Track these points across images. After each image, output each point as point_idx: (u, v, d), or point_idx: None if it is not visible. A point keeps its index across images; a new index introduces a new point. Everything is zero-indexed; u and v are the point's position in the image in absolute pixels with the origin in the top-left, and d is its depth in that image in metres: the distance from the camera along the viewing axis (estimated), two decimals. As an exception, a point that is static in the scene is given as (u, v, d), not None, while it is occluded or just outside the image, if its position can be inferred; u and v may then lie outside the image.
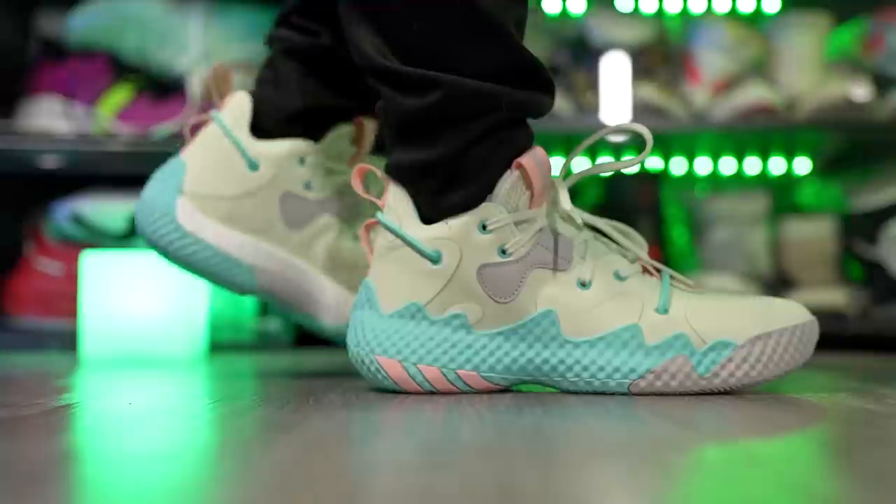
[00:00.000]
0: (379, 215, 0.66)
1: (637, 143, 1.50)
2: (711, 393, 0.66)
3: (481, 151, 0.65)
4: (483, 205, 0.65)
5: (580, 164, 1.56)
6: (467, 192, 0.65)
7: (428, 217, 0.65)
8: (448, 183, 0.65)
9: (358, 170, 0.68)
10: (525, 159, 0.64)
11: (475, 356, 0.65)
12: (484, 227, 0.64)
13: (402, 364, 0.65)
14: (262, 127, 0.79)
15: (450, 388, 0.65)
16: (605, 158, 1.60)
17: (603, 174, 1.57)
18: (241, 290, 0.79)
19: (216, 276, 0.77)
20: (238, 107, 0.78)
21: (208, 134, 0.78)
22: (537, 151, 0.65)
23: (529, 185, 0.65)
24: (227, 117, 0.78)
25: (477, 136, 0.65)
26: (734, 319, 0.66)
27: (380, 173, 0.68)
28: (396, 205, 0.66)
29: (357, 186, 0.67)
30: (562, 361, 0.65)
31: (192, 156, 0.78)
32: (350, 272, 0.80)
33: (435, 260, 0.64)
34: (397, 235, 0.65)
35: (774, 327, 0.66)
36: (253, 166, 0.77)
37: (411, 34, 0.64)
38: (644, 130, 0.66)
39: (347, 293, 0.80)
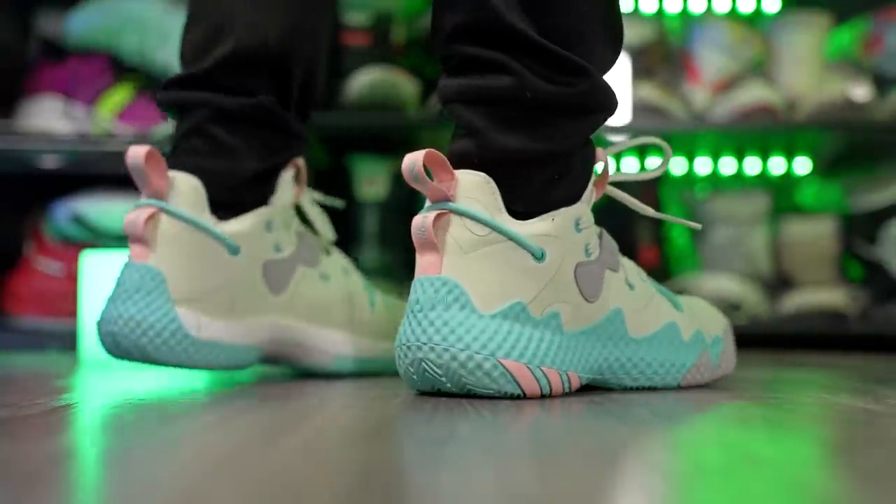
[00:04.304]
0: (468, 208, 0.60)
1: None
2: (711, 391, 0.66)
3: (589, 147, 0.65)
4: (578, 203, 0.64)
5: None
6: (573, 188, 0.64)
7: (513, 209, 0.61)
8: (560, 176, 0.63)
9: (432, 156, 0.60)
10: (600, 156, 0.66)
11: (573, 357, 0.63)
12: (577, 226, 0.63)
13: (528, 367, 0.60)
14: (217, 203, 0.73)
15: (559, 391, 0.62)
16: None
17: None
18: (243, 368, 0.76)
19: (227, 367, 0.74)
20: (191, 191, 0.71)
21: (167, 229, 0.70)
22: (598, 152, 0.67)
23: (599, 185, 0.67)
24: (184, 205, 0.71)
25: (592, 131, 0.65)
26: (711, 316, 0.73)
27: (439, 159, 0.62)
28: (482, 196, 0.60)
29: (423, 176, 0.60)
30: (629, 359, 0.66)
31: (165, 260, 0.70)
32: (326, 312, 0.79)
33: (539, 257, 0.61)
34: (498, 230, 0.60)
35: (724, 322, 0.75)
36: (234, 250, 0.73)
37: (556, 15, 0.62)
38: (664, 144, 0.70)
39: (330, 331, 0.80)
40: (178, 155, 0.74)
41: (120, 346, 0.70)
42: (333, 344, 0.79)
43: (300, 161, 0.79)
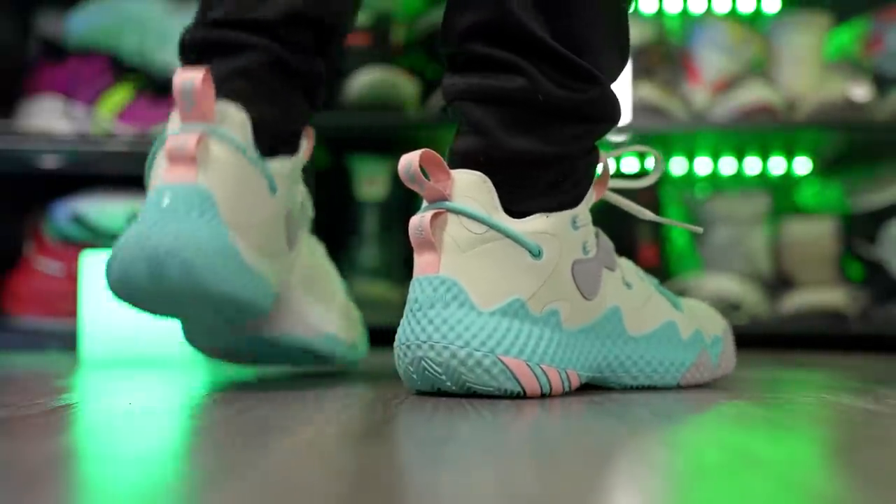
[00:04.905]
0: (464, 207, 0.60)
1: (637, 141, 1.49)
2: (711, 391, 0.66)
3: (594, 153, 0.66)
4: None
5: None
6: (574, 192, 0.64)
7: (513, 210, 0.61)
8: (564, 179, 0.63)
9: (428, 156, 0.60)
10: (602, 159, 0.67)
11: (573, 355, 0.63)
12: (574, 224, 0.63)
13: (527, 364, 0.60)
14: (258, 145, 0.69)
15: (559, 390, 0.62)
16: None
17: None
18: (264, 314, 0.71)
19: (262, 305, 0.68)
20: (241, 124, 0.68)
21: (218, 153, 0.66)
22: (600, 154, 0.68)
23: (599, 186, 0.67)
24: (237, 135, 0.67)
25: (597, 138, 0.65)
26: (710, 316, 0.74)
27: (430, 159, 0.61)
28: (479, 194, 0.61)
29: (419, 176, 0.60)
30: (628, 357, 0.66)
31: (215, 182, 0.65)
32: (314, 283, 0.77)
33: (536, 254, 0.61)
34: (494, 228, 0.60)
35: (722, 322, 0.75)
36: (273, 189, 0.69)
37: (572, 22, 0.63)
38: (654, 152, 0.70)
39: (317, 305, 0.77)
40: (222, 92, 0.69)
41: (161, 268, 0.62)
42: (318, 318, 0.76)
43: (310, 128, 0.77)
